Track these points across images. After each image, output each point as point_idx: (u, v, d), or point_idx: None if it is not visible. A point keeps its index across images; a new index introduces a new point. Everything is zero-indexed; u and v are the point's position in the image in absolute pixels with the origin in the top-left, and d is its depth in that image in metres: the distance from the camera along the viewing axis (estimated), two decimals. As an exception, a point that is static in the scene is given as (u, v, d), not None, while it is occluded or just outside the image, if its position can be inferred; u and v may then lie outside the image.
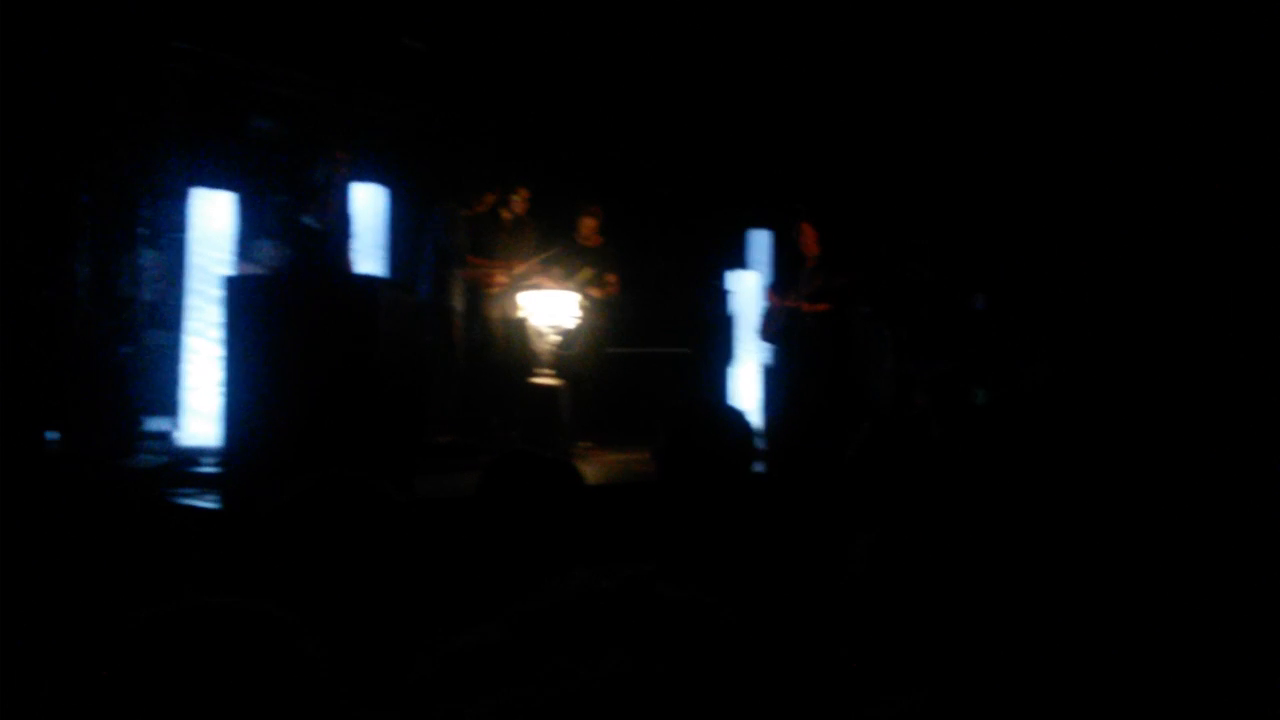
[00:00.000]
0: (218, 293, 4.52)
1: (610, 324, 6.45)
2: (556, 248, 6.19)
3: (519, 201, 6.21)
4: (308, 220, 4.91)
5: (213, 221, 5.30)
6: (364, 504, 1.58)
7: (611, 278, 6.33)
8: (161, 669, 0.87)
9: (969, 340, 7.99)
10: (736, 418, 2.27)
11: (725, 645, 0.78)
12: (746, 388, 6.99)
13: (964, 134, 7.90)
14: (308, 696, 0.90)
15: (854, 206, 8.20)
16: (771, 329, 6.49)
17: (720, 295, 7.31)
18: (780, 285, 6.53)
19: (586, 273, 6.11)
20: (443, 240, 5.85)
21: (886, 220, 8.22)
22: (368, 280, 4.96)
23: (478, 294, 6.06)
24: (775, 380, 6.53)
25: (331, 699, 0.92)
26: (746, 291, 7.10)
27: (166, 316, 5.92)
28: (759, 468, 5.38)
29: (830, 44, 7.52)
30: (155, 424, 5.48)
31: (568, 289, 5.84)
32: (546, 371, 5.65)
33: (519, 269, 6.04)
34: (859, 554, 1.33)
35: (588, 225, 6.36)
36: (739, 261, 7.35)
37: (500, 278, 6.04)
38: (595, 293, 6.10)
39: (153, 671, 0.87)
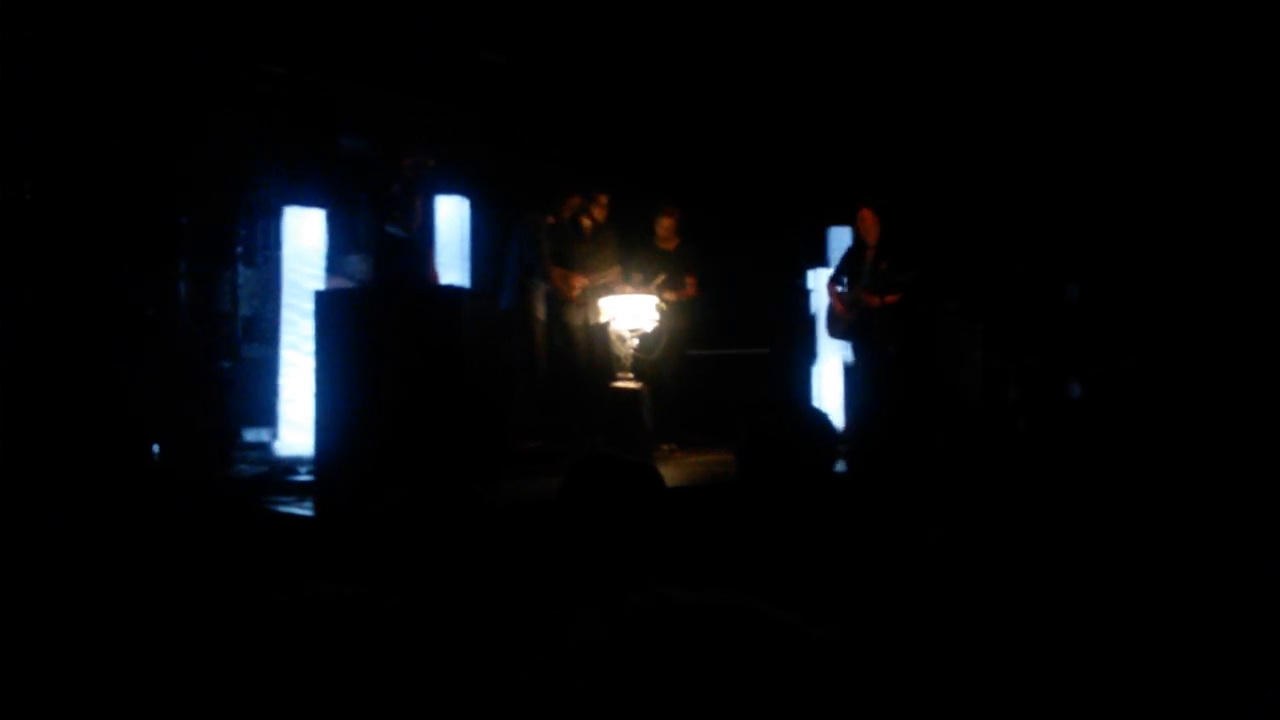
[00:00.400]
0: (311, 307, 4.68)
1: (691, 326, 6.46)
2: (626, 255, 6.25)
3: (599, 209, 6.26)
4: (391, 229, 5.04)
5: (305, 238, 5.48)
6: (461, 509, 1.62)
7: (689, 280, 6.35)
8: (292, 652, 0.90)
9: (1062, 333, 7.76)
10: (818, 418, 2.26)
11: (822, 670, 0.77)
12: (829, 386, 6.92)
13: (1052, 124, 7.70)
14: (434, 680, 0.92)
15: (941, 200, 8.06)
16: (841, 325, 6.43)
17: (801, 294, 7.26)
18: (842, 278, 6.45)
19: (660, 277, 6.13)
20: (527, 251, 5.94)
21: (975, 213, 8.05)
22: (452, 291, 5.06)
23: (559, 302, 6.13)
24: (859, 378, 6.45)
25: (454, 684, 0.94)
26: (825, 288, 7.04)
27: (263, 331, 6.15)
28: (841, 467, 5.33)
29: (915, 37, 7.40)
30: (254, 435, 5.68)
31: (646, 293, 5.87)
32: (628, 376, 5.68)
33: (599, 278, 6.09)
34: (933, 545, 1.32)
35: (664, 226, 6.40)
36: (819, 259, 7.28)
37: (580, 284, 6.10)
38: (671, 296, 6.11)
39: (285, 654, 0.90)
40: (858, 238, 6.42)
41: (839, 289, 6.44)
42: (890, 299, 6.14)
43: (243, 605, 0.94)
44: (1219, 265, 7.15)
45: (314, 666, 0.88)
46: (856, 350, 6.48)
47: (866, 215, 6.26)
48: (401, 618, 0.94)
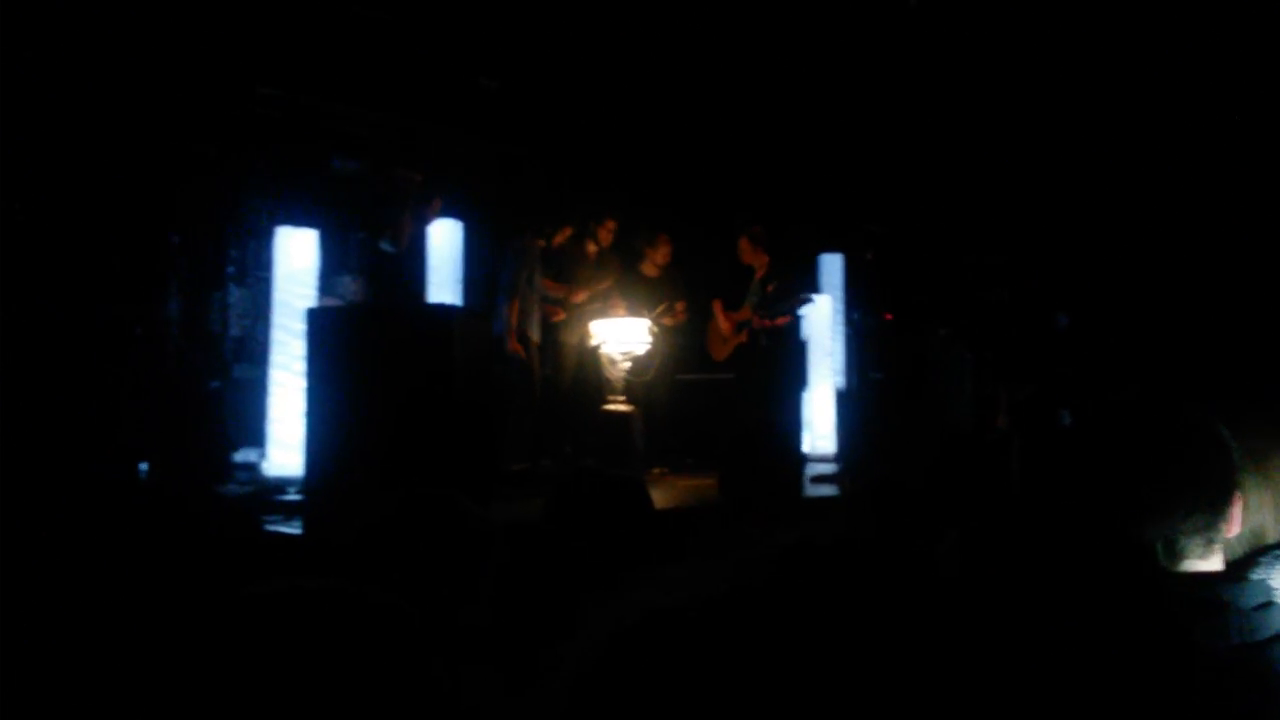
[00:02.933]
0: (302, 327, 4.68)
1: (682, 351, 6.47)
2: (615, 277, 6.28)
3: (605, 233, 6.28)
4: (383, 245, 5.04)
5: (297, 259, 5.48)
6: (452, 520, 1.61)
7: (679, 305, 6.37)
8: (266, 645, 0.89)
9: (1054, 361, 7.79)
10: (786, 440, 2.27)
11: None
12: (821, 412, 6.92)
13: (1041, 154, 7.76)
14: (428, 686, 0.91)
15: (930, 228, 8.10)
16: (724, 348, 6.52)
17: (792, 319, 7.28)
18: (729, 302, 6.56)
19: (663, 305, 6.17)
20: (509, 273, 5.91)
21: (966, 242, 8.09)
22: (444, 310, 5.06)
23: (553, 323, 6.14)
24: (851, 404, 6.46)
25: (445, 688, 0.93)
26: (820, 315, 7.05)
27: (253, 351, 6.13)
28: (830, 491, 5.32)
29: (905, 68, 7.47)
30: (243, 455, 5.65)
31: (640, 317, 5.88)
32: (619, 399, 5.69)
33: (581, 296, 6.09)
34: (941, 557, 1.31)
35: (662, 254, 6.42)
36: (811, 286, 7.31)
37: (561, 310, 6.10)
38: (667, 321, 6.14)
39: (259, 648, 0.88)
40: (743, 265, 6.58)
41: (726, 314, 6.58)
42: (780, 321, 6.28)
43: (218, 600, 0.92)
44: (1210, 290, 7.19)
45: (293, 658, 0.87)
46: (856, 378, 6.53)
47: (745, 244, 6.43)
48: (382, 612, 0.92)
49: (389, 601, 0.94)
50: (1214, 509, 1.44)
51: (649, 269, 6.45)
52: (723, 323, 6.54)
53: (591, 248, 6.25)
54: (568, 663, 0.71)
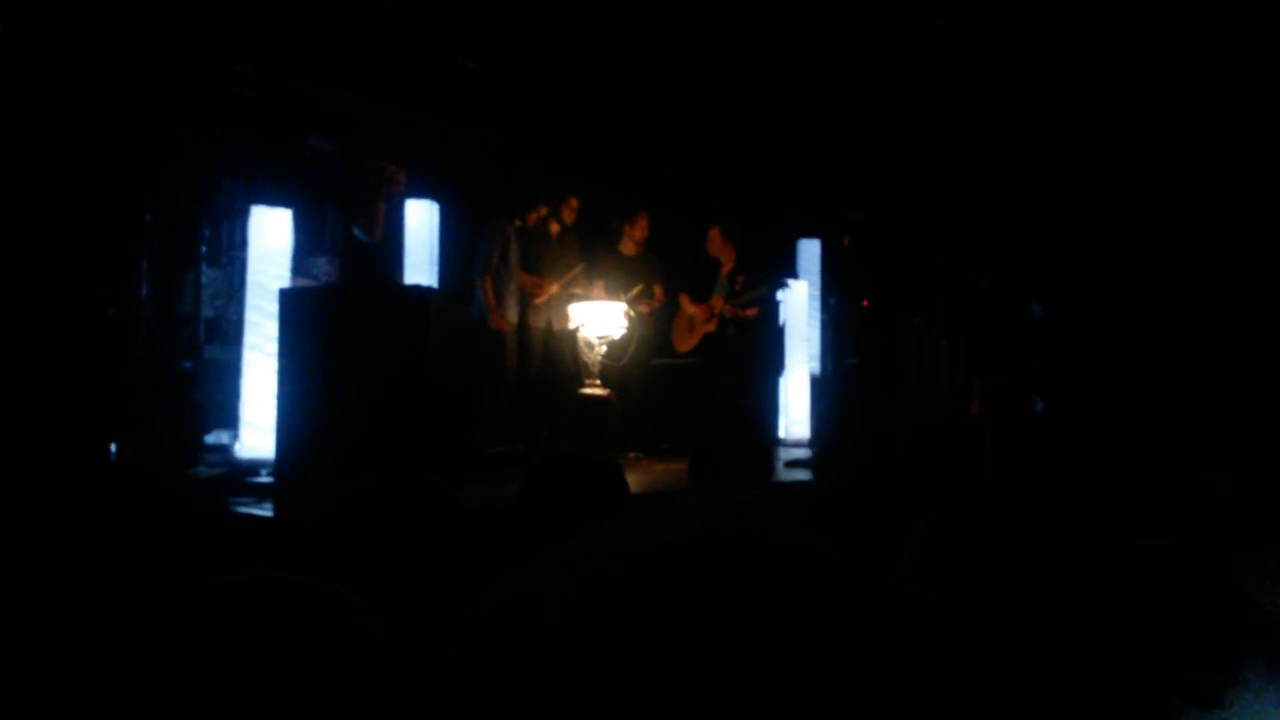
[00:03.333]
0: (275, 308, 4.63)
1: (659, 335, 6.47)
2: (589, 259, 6.26)
3: (568, 211, 6.25)
4: (356, 233, 5.01)
5: (271, 239, 5.42)
6: (425, 500, 1.59)
7: (657, 289, 6.36)
8: (228, 637, 0.90)
9: (1027, 349, 7.86)
10: (754, 425, 2.28)
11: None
12: (796, 397, 6.95)
13: (1016, 143, 7.80)
14: (368, 671, 0.91)
15: (907, 216, 8.13)
16: (691, 338, 6.57)
17: (770, 305, 7.30)
18: (696, 294, 6.59)
19: (637, 288, 6.15)
20: (483, 254, 5.89)
21: (940, 229, 8.13)
22: (419, 291, 5.02)
23: (525, 305, 6.11)
24: (825, 390, 6.50)
25: (391, 675, 0.93)
26: (797, 301, 7.08)
27: (226, 332, 6.08)
28: (804, 476, 5.35)
29: (881, 53, 7.47)
30: (215, 437, 5.61)
31: (617, 301, 5.87)
32: (596, 383, 5.68)
33: (565, 280, 6.06)
34: (910, 542, 1.32)
35: (640, 229, 6.41)
36: (789, 271, 7.33)
37: (550, 290, 6.07)
38: (644, 307, 6.13)
39: (219, 639, 0.89)
40: (710, 256, 6.62)
41: (695, 304, 6.61)
42: (749, 312, 6.29)
43: (181, 591, 0.92)
44: (1187, 279, 7.26)
45: (242, 653, 0.87)
46: (832, 364, 6.56)
47: (715, 235, 6.49)
48: (340, 607, 0.92)
49: (333, 591, 0.94)
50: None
51: (627, 247, 6.43)
52: (691, 310, 6.56)
53: (555, 227, 6.23)
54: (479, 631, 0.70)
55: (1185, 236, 7.29)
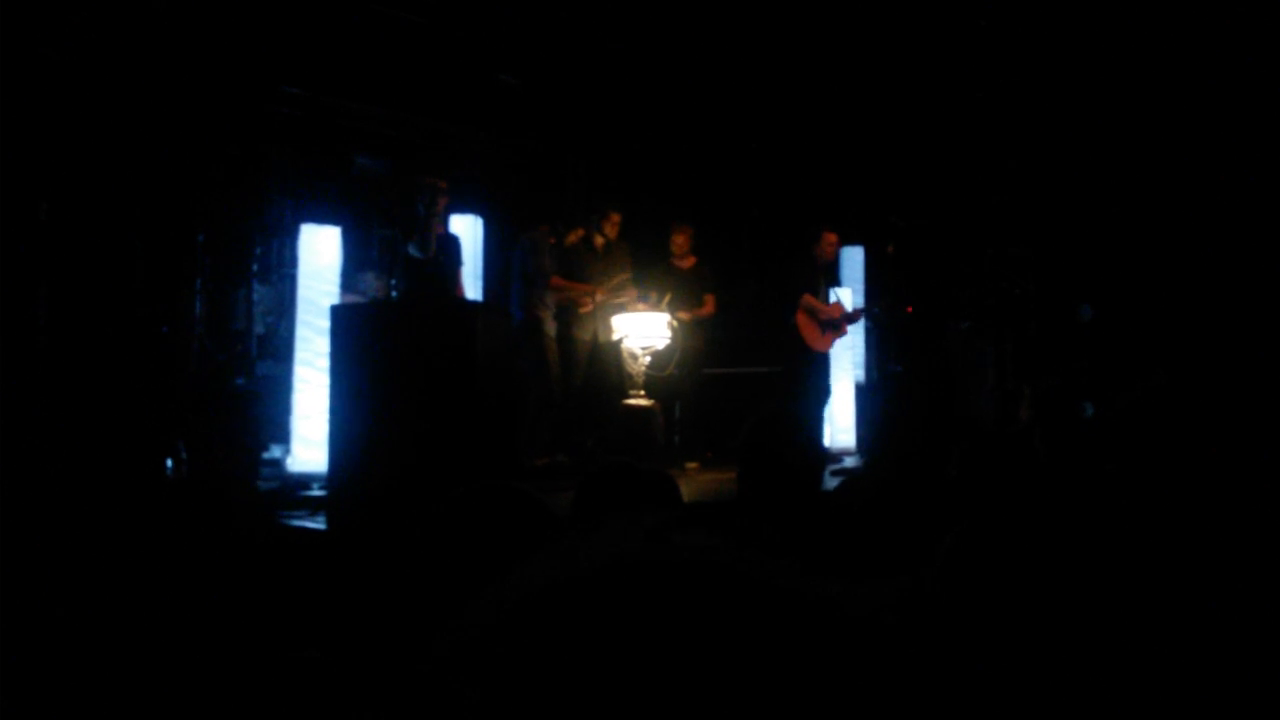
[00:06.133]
0: (325, 324, 4.71)
1: (706, 345, 6.45)
2: (629, 271, 6.24)
3: (611, 226, 6.24)
4: (412, 250, 5.06)
5: (320, 256, 5.52)
6: (520, 510, 1.59)
7: (708, 298, 6.33)
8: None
9: (1077, 353, 7.74)
10: (802, 428, 2.26)
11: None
12: (841, 406, 6.91)
13: (1061, 146, 7.71)
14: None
15: (951, 220, 8.06)
16: (831, 338, 6.45)
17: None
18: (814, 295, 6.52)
19: (668, 295, 6.11)
20: (528, 264, 5.91)
21: (986, 233, 8.05)
22: (465, 305, 5.08)
23: (569, 316, 6.10)
24: (872, 397, 6.44)
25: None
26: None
27: (278, 348, 6.18)
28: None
29: (926, 58, 7.43)
30: (268, 451, 5.71)
31: (659, 311, 5.87)
32: (640, 393, 5.69)
33: (603, 293, 6.05)
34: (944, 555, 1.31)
35: (678, 244, 6.39)
36: (834, 279, 7.30)
37: (590, 300, 6.06)
38: (685, 315, 6.09)
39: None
40: (824, 259, 6.48)
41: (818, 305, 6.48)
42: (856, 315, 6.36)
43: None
44: (1230, 279, 7.12)
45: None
46: (879, 371, 6.48)
47: (834, 239, 6.36)
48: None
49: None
50: None
51: (677, 260, 6.43)
52: (823, 310, 6.38)
53: (599, 240, 6.24)
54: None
55: (1235, 236, 7.15)
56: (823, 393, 6.36)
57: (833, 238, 6.38)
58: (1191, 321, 7.22)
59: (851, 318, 6.40)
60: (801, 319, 6.26)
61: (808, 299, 6.28)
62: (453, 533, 1.54)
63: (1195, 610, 1.32)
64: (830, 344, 6.37)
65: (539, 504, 1.58)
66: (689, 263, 6.44)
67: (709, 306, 6.33)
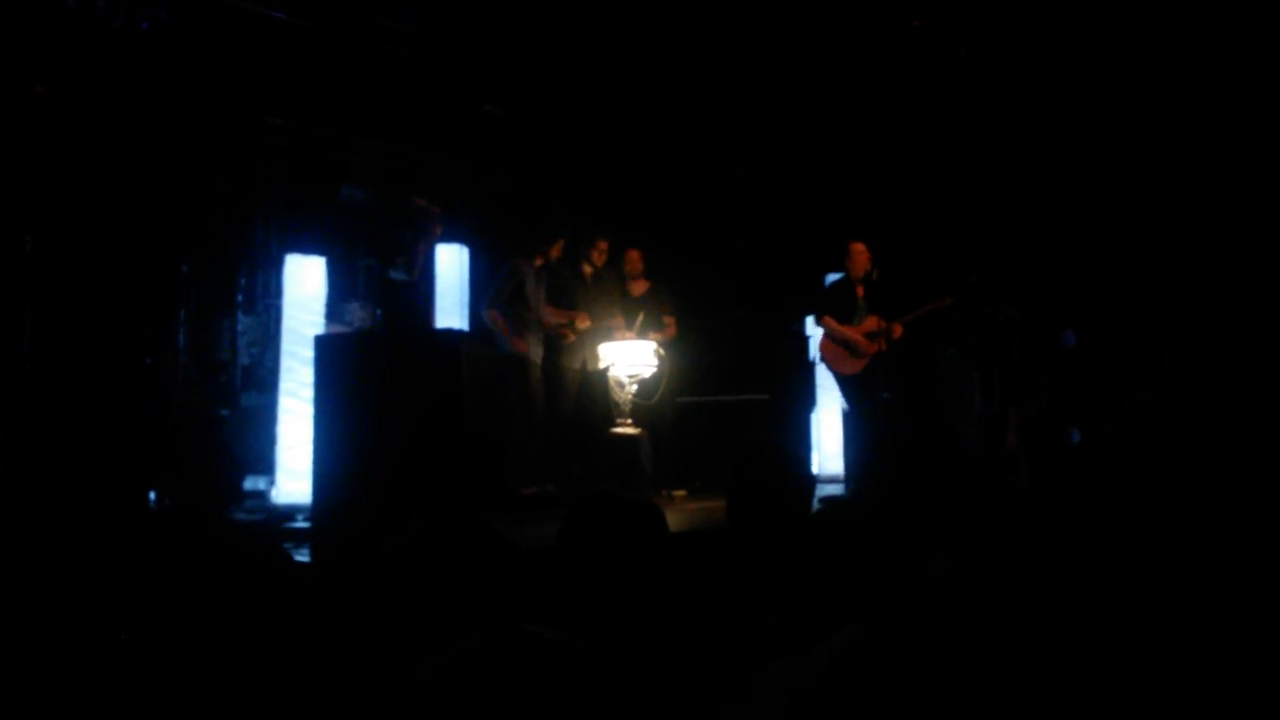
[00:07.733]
0: (310, 354, 4.69)
1: (691, 373, 6.45)
2: (616, 298, 6.25)
3: (599, 254, 6.24)
4: (393, 274, 5.04)
5: (305, 286, 5.51)
6: (478, 543, 1.58)
7: (668, 320, 6.33)
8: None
9: (1062, 379, 7.76)
10: (792, 458, 2.26)
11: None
12: (829, 433, 6.91)
13: (1045, 171, 7.77)
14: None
15: (937, 246, 8.10)
16: (864, 362, 6.40)
17: (800, 339, 7.28)
18: (840, 315, 6.48)
19: (640, 317, 6.11)
20: (493, 286, 5.88)
21: (971, 259, 8.09)
22: (451, 335, 5.07)
23: (559, 345, 6.09)
24: (858, 425, 6.44)
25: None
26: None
27: (262, 379, 6.15)
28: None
29: (912, 84, 7.50)
30: (251, 482, 5.66)
31: (633, 337, 5.88)
32: (626, 421, 5.68)
33: (586, 322, 6.04)
34: (935, 577, 1.31)
35: (629, 264, 6.40)
36: (878, 292, 7.28)
37: (569, 330, 6.05)
38: (655, 336, 6.06)
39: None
40: (854, 276, 6.47)
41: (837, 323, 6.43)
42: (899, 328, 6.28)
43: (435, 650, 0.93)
44: (1216, 299, 7.17)
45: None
46: (862, 398, 6.45)
47: (863, 249, 6.35)
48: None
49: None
50: None
51: (630, 285, 6.44)
52: (850, 333, 6.36)
53: (587, 269, 6.23)
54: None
55: (1223, 263, 7.21)
56: (847, 415, 6.38)
57: (860, 247, 6.36)
58: (1177, 343, 7.26)
59: (878, 335, 6.35)
60: (825, 343, 6.30)
61: (827, 320, 6.30)
62: (408, 567, 1.52)
63: (1186, 630, 1.32)
64: (859, 366, 6.35)
65: (497, 536, 1.57)
66: (643, 287, 6.43)
67: (671, 329, 6.32)
